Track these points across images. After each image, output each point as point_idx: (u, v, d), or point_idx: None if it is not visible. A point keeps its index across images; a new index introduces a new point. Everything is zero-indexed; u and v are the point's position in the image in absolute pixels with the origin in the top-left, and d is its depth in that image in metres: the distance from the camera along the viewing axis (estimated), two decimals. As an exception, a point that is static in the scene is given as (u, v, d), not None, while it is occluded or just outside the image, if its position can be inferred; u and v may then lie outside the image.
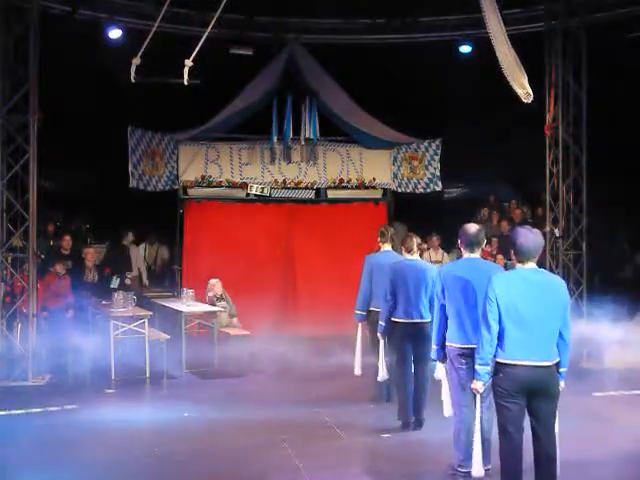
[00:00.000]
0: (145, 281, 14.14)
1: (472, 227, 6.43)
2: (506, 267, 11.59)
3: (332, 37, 13.48)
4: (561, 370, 5.46)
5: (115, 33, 12.09)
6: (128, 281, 12.82)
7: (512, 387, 5.33)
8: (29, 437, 7.70)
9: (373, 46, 13.50)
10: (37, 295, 10.64)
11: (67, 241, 12.81)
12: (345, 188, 14.67)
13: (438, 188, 14.83)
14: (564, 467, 5.58)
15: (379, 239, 8.97)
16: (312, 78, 13.77)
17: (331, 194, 14.69)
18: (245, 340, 11.54)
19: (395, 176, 14.78)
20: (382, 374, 8.48)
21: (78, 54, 11.77)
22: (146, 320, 10.51)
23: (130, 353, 10.46)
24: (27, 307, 10.35)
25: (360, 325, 9.10)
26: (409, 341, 7.83)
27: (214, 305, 11.76)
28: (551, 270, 11.23)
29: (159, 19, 9.56)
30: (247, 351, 11.25)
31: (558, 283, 5.51)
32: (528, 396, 5.36)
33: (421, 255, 9.22)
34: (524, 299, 5.32)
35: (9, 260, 10.49)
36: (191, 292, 11.59)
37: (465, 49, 13.14)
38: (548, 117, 12.00)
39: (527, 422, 5.49)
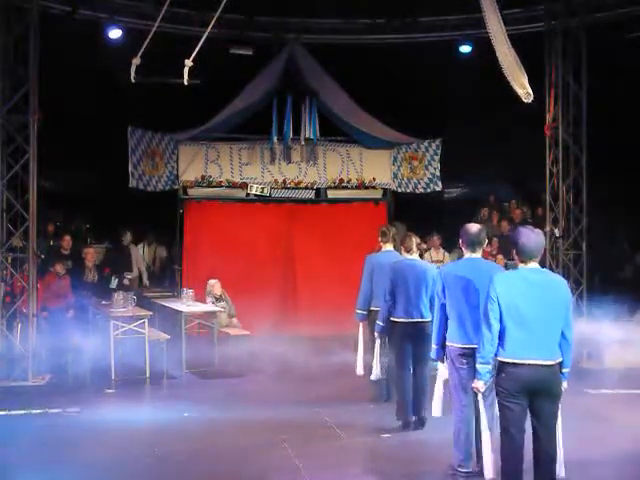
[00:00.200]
0: (145, 281, 14.14)
1: (473, 227, 6.44)
2: (506, 267, 11.59)
3: (332, 37, 13.48)
4: (564, 370, 5.46)
5: (115, 33, 12.09)
6: (126, 281, 12.79)
7: (514, 387, 5.32)
8: (29, 437, 7.70)
9: (373, 46, 13.50)
10: (37, 295, 10.63)
11: (67, 241, 12.80)
12: (345, 188, 14.67)
13: (438, 188, 14.82)
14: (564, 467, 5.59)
15: (380, 239, 8.99)
16: (312, 78, 13.77)
17: (331, 194, 14.68)
18: (245, 340, 11.54)
19: (395, 176, 14.78)
20: (376, 373, 8.52)
21: (78, 54, 11.76)
22: (146, 320, 10.51)
23: (130, 353, 10.46)
24: (27, 307, 10.35)
25: (361, 325, 9.09)
26: (409, 341, 7.83)
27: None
28: (551, 270, 11.23)
29: (159, 19, 9.56)
30: (247, 351, 11.26)
31: (560, 282, 5.52)
32: (530, 396, 5.36)
33: (421, 255, 9.24)
34: (526, 298, 5.33)
35: (9, 260, 10.49)
36: (191, 292, 11.58)
37: (465, 49, 13.14)
38: (548, 117, 12.00)
39: (528, 422, 5.49)
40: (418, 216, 13.70)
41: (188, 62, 8.74)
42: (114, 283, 12.43)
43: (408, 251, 8.09)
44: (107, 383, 10.00)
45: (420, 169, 14.72)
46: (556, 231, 11.94)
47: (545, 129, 12.05)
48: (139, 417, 8.43)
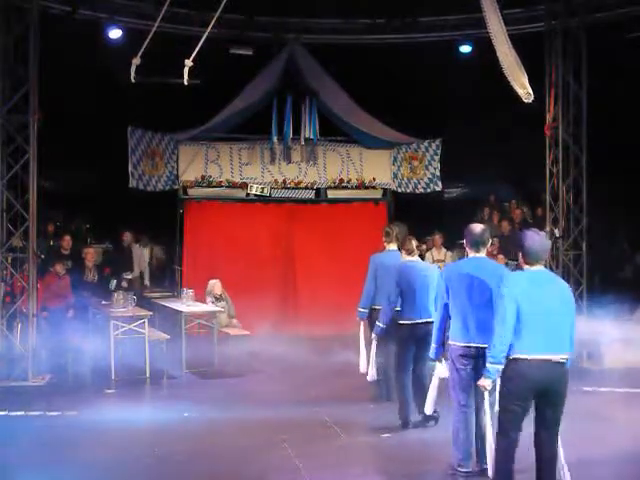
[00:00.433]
0: (146, 282, 14.12)
1: (477, 227, 6.50)
2: (507, 267, 11.63)
3: (332, 37, 13.48)
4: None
5: (115, 33, 12.09)
6: (124, 283, 12.74)
7: (523, 386, 5.34)
8: (29, 437, 7.69)
9: (373, 46, 13.49)
10: (37, 295, 10.63)
11: (67, 241, 12.80)
12: (345, 188, 14.68)
13: (438, 188, 14.83)
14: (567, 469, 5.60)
15: (384, 239, 9.00)
16: (312, 78, 13.77)
17: (331, 194, 14.69)
18: (245, 340, 11.55)
19: (395, 176, 14.78)
20: (372, 374, 8.55)
21: (78, 54, 11.76)
22: (146, 320, 10.50)
23: (130, 353, 10.46)
24: (27, 307, 10.35)
25: (362, 323, 9.08)
26: (413, 342, 7.85)
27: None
28: (551, 270, 11.23)
29: (159, 19, 9.56)
30: (247, 351, 11.27)
31: (565, 286, 5.64)
32: (538, 397, 5.38)
33: (421, 256, 9.25)
34: (536, 298, 5.39)
35: (9, 260, 10.49)
36: (191, 292, 11.58)
37: (465, 49, 13.14)
38: (548, 117, 12.01)
39: (527, 421, 5.51)
40: (418, 216, 13.67)
41: (188, 62, 8.75)
42: (113, 284, 12.43)
43: (409, 253, 8.13)
44: (107, 383, 9.99)
45: (420, 169, 14.72)
46: (556, 231, 11.94)
47: (545, 129, 12.05)
48: (139, 417, 8.43)
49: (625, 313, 10.62)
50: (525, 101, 7.61)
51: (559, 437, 5.53)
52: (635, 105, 12.40)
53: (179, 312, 10.96)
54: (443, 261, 13.57)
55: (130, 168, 13.45)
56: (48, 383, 10.21)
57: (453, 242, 13.62)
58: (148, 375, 10.33)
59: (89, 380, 10.17)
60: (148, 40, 9.36)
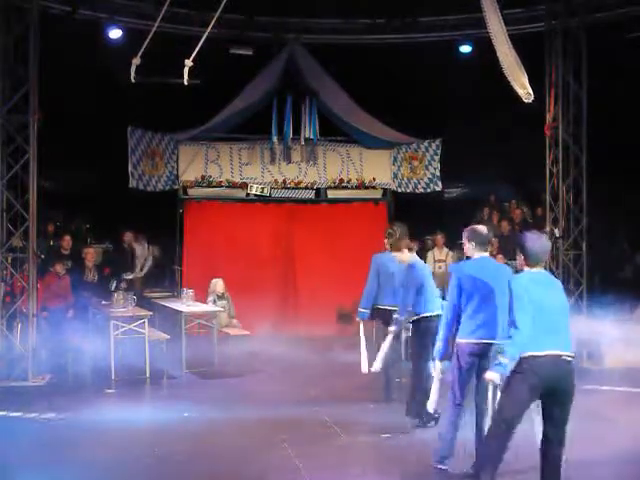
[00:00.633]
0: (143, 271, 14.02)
1: (483, 228, 6.68)
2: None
3: (332, 37, 13.48)
4: None
5: (115, 33, 12.09)
6: (123, 284, 12.71)
7: (534, 379, 5.37)
8: (29, 437, 7.70)
9: (373, 46, 13.49)
10: (37, 295, 10.63)
11: (67, 241, 12.80)
12: (345, 188, 14.68)
13: (438, 188, 14.83)
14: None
15: (386, 239, 9.00)
16: (312, 78, 13.78)
17: (331, 194, 14.69)
18: (245, 340, 11.55)
19: (395, 176, 14.78)
20: (377, 366, 8.47)
21: (78, 54, 11.76)
22: (146, 320, 10.50)
23: (130, 353, 10.46)
24: (27, 307, 10.35)
25: (362, 323, 9.05)
26: (433, 338, 7.93)
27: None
28: (551, 270, 11.25)
29: (159, 19, 9.55)
30: (247, 351, 11.26)
31: (562, 288, 5.75)
32: (546, 395, 5.42)
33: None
34: (540, 299, 5.47)
35: (9, 260, 10.49)
36: (191, 292, 11.58)
37: (465, 49, 13.14)
38: (548, 117, 12.00)
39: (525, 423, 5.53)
40: (418, 216, 13.67)
41: (188, 62, 8.74)
42: (113, 285, 12.42)
43: (410, 249, 8.30)
44: (107, 383, 9.99)
45: (420, 169, 14.72)
46: (556, 231, 11.94)
47: (545, 129, 12.05)
48: (139, 417, 8.43)
49: (625, 313, 10.62)
50: (525, 101, 7.62)
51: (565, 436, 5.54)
52: (635, 105, 12.40)
53: (179, 312, 10.96)
54: (444, 261, 13.58)
55: (130, 168, 13.45)
56: (48, 383, 10.21)
57: (453, 242, 13.61)
58: (148, 375, 10.32)
59: (89, 380, 10.17)
60: (148, 40, 9.36)
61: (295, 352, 11.22)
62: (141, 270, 13.90)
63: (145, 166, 13.69)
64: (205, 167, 14.22)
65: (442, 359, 6.61)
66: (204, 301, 11.86)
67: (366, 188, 14.73)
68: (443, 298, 10.72)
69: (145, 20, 11.46)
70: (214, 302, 11.95)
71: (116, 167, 13.51)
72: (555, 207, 12.08)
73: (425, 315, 8.00)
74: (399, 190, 14.77)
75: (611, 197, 12.87)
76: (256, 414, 8.43)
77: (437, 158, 14.67)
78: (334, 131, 14.41)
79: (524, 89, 7.49)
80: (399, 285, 8.48)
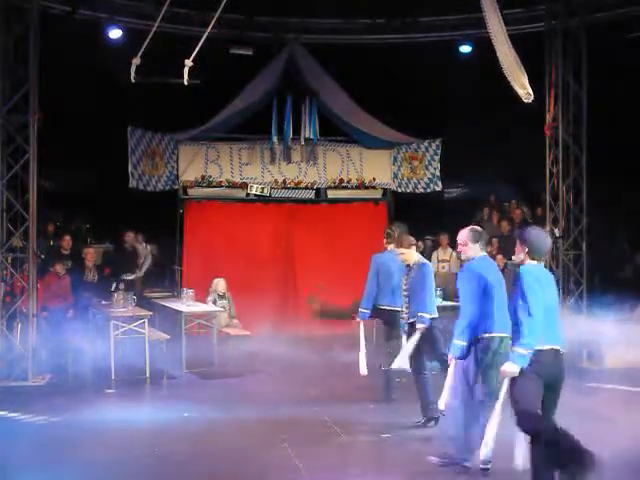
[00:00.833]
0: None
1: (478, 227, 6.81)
2: (506, 267, 11.64)
3: (332, 37, 13.48)
4: None
5: (115, 33, 12.10)
6: (121, 285, 12.68)
7: (544, 374, 5.45)
8: (29, 437, 7.70)
9: (373, 46, 13.50)
10: (37, 295, 10.64)
11: (67, 241, 12.80)
12: (345, 188, 14.69)
13: (438, 188, 14.84)
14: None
15: (385, 240, 9.00)
16: (312, 78, 13.78)
17: (331, 194, 14.70)
18: (245, 340, 11.54)
19: (395, 176, 14.79)
20: (400, 364, 8.16)
21: (78, 54, 11.76)
22: (146, 320, 10.50)
23: (130, 353, 10.46)
24: (27, 307, 10.35)
25: (362, 324, 9.02)
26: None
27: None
28: (551, 270, 11.24)
29: (159, 19, 9.56)
30: (247, 351, 11.26)
31: (554, 282, 5.88)
32: (547, 385, 5.50)
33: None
34: (545, 292, 5.56)
35: (9, 260, 10.49)
36: (191, 292, 11.58)
37: (465, 49, 13.14)
38: (548, 117, 12.01)
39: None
40: (418, 216, 13.69)
41: (188, 62, 8.74)
42: (113, 286, 12.41)
43: (416, 248, 8.40)
44: (107, 383, 9.99)
45: (420, 169, 14.73)
46: (556, 231, 11.94)
47: (545, 129, 12.05)
48: (139, 417, 8.43)
49: (625, 313, 10.61)
50: (525, 101, 7.62)
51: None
52: (635, 105, 12.40)
53: (179, 312, 10.96)
54: (448, 261, 13.58)
55: (130, 168, 13.46)
56: (48, 383, 10.21)
57: (454, 242, 13.60)
58: (148, 375, 10.32)
59: (89, 380, 10.16)
60: (148, 40, 9.36)
61: (295, 352, 11.22)
62: (140, 270, 13.90)
63: (145, 166, 13.69)
64: (205, 167, 14.23)
65: (461, 357, 6.55)
66: (204, 301, 11.86)
67: (366, 188, 14.73)
68: (443, 299, 10.80)
69: (145, 20, 11.47)
70: (214, 302, 11.94)
71: (116, 167, 13.52)
72: (555, 207, 12.09)
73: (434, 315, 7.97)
74: (399, 190, 14.78)
75: (611, 197, 12.87)
76: (256, 414, 8.43)
77: (437, 158, 14.68)
78: (334, 131, 14.41)
79: (524, 89, 7.49)
80: (396, 285, 8.47)
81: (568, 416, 5.72)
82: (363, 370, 8.94)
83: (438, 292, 9.94)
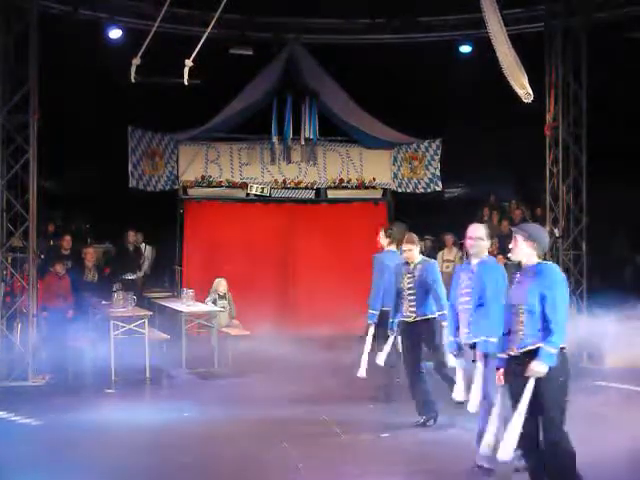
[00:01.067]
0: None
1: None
2: (506, 267, 11.61)
3: (332, 37, 13.50)
4: None
5: (115, 33, 12.11)
6: (118, 286, 12.65)
7: (568, 373, 5.46)
8: (29, 437, 7.70)
9: (373, 46, 13.50)
10: (37, 295, 10.63)
11: (67, 241, 12.81)
12: (345, 188, 14.69)
13: (438, 188, 14.84)
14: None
15: (385, 240, 8.95)
16: (312, 78, 13.78)
17: (331, 194, 14.70)
18: (245, 340, 11.53)
19: (395, 176, 14.79)
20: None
21: (78, 54, 11.78)
22: (146, 320, 10.49)
23: (130, 353, 10.45)
24: (27, 307, 10.35)
25: (373, 327, 8.69)
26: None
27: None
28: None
29: (159, 19, 9.56)
30: (247, 351, 11.25)
31: None
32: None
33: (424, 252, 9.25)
34: None
35: (9, 260, 10.50)
36: (191, 292, 11.58)
37: (465, 49, 13.15)
38: (548, 117, 12.00)
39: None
40: (418, 216, 13.69)
41: (188, 62, 8.75)
42: (115, 287, 12.40)
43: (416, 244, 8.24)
44: (107, 383, 9.98)
45: (420, 169, 14.73)
46: (556, 231, 11.94)
47: (545, 129, 12.05)
48: (139, 417, 8.43)
49: (625, 313, 10.61)
50: (525, 101, 7.62)
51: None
52: (635, 105, 12.40)
53: (179, 312, 10.96)
54: (453, 261, 13.55)
55: (130, 168, 13.46)
56: (48, 383, 10.21)
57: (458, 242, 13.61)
58: (148, 375, 10.31)
59: (89, 380, 10.17)
60: (148, 40, 9.36)
61: (295, 352, 11.21)
62: (141, 270, 13.90)
63: (145, 166, 13.70)
64: (205, 167, 14.23)
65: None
66: (204, 301, 11.86)
67: (366, 188, 14.73)
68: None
69: (145, 20, 11.47)
70: (214, 302, 11.94)
71: (116, 167, 13.52)
72: (555, 207, 12.08)
73: (431, 316, 7.93)
74: (399, 190, 14.78)
75: (611, 197, 12.86)
76: (256, 414, 8.43)
77: (437, 158, 14.67)
78: (334, 131, 14.42)
79: (524, 89, 7.49)
80: (389, 285, 8.41)
81: (568, 416, 5.70)
82: (362, 373, 8.70)
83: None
